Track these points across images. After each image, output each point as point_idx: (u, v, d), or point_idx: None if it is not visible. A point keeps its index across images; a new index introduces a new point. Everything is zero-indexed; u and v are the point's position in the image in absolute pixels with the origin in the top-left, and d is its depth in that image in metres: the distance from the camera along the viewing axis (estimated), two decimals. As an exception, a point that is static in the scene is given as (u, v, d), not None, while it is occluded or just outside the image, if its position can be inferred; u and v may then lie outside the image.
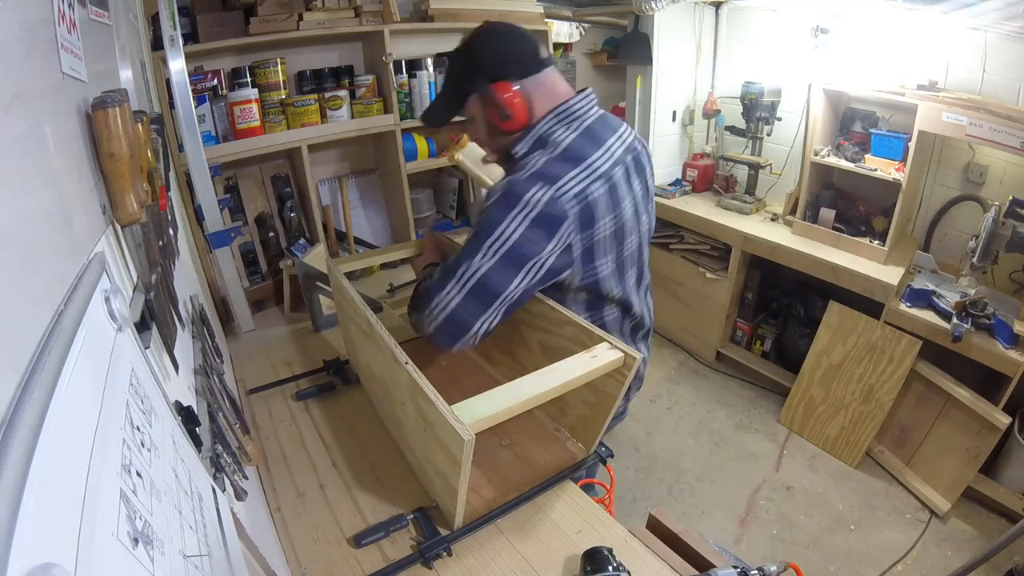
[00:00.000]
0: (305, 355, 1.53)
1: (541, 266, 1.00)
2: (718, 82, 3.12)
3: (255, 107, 1.72)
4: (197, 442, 0.64)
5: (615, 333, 1.15)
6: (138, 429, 0.45)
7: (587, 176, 1.02)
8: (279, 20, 1.71)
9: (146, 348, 0.56)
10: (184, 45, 1.35)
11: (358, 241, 2.11)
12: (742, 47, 2.98)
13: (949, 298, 2.11)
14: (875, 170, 2.31)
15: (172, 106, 1.41)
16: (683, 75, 3.06)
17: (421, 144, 2.09)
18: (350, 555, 0.92)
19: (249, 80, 1.74)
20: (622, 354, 0.95)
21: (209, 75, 1.71)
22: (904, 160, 2.22)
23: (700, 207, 2.95)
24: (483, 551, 0.93)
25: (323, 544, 0.95)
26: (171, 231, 0.90)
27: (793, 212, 2.64)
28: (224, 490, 0.67)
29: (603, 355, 0.95)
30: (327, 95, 1.85)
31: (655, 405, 2.78)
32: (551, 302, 1.09)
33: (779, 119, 2.78)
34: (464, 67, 1.14)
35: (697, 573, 0.92)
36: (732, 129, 2.99)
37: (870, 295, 2.28)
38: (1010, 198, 2.02)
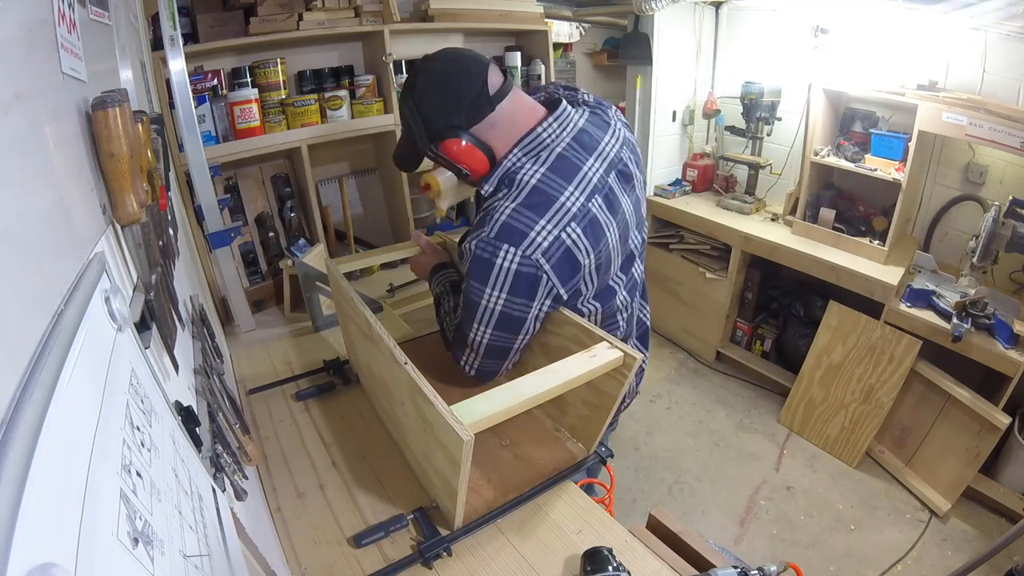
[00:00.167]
0: (305, 355, 1.53)
1: (535, 318, 1.03)
2: (718, 82, 3.12)
3: (255, 107, 1.72)
4: (197, 442, 0.64)
5: None
6: (138, 429, 0.45)
7: (558, 222, 0.97)
8: (279, 20, 1.71)
9: (146, 348, 0.56)
10: (184, 45, 1.35)
11: (358, 241, 2.11)
12: (742, 47, 2.98)
13: (949, 298, 2.11)
14: (875, 170, 2.31)
15: (172, 106, 1.41)
16: (683, 75, 3.05)
17: (421, 144, 2.09)
18: (350, 555, 0.92)
19: (249, 80, 1.74)
20: (622, 354, 0.95)
21: (209, 75, 1.71)
22: (904, 160, 2.23)
23: (700, 207, 2.95)
24: (483, 551, 0.93)
25: (323, 544, 0.95)
26: (171, 231, 0.90)
27: (793, 212, 2.64)
28: (224, 490, 0.67)
29: (603, 355, 0.95)
30: (327, 95, 1.85)
31: (655, 405, 2.78)
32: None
33: (779, 119, 2.78)
34: (408, 123, 1.06)
35: (697, 573, 0.92)
36: (732, 129, 2.99)
37: (870, 295, 2.28)
38: (1010, 198, 2.02)
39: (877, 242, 2.38)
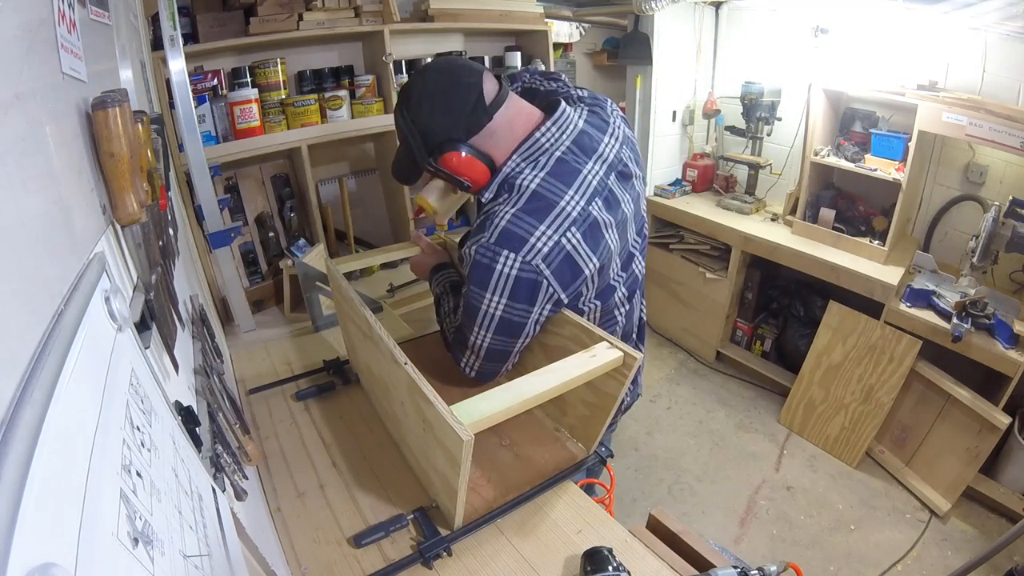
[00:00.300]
0: (305, 355, 1.53)
1: (536, 322, 1.03)
2: (718, 82, 3.12)
3: (255, 107, 1.72)
4: (197, 442, 0.64)
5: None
6: (138, 429, 0.45)
7: (558, 227, 0.96)
8: (279, 20, 1.71)
9: (146, 348, 0.56)
10: (184, 45, 1.35)
11: (358, 241, 2.11)
12: (742, 47, 2.98)
13: (949, 298, 2.11)
14: (875, 170, 2.31)
15: (172, 106, 1.41)
16: (683, 75, 3.06)
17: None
18: (350, 555, 0.92)
19: (249, 80, 1.74)
20: (621, 354, 0.94)
21: (209, 75, 1.71)
22: (904, 160, 2.23)
23: (700, 207, 2.95)
24: (483, 551, 0.93)
25: (323, 544, 0.95)
26: (171, 231, 0.90)
27: (793, 212, 2.64)
28: (224, 490, 0.67)
29: (602, 355, 0.94)
30: (327, 95, 1.85)
31: (655, 405, 2.78)
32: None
33: (779, 119, 2.79)
34: (405, 137, 1.05)
35: (697, 573, 0.92)
36: (732, 129, 2.99)
37: (870, 295, 2.28)
38: (1010, 198, 2.02)
39: (877, 242, 2.39)
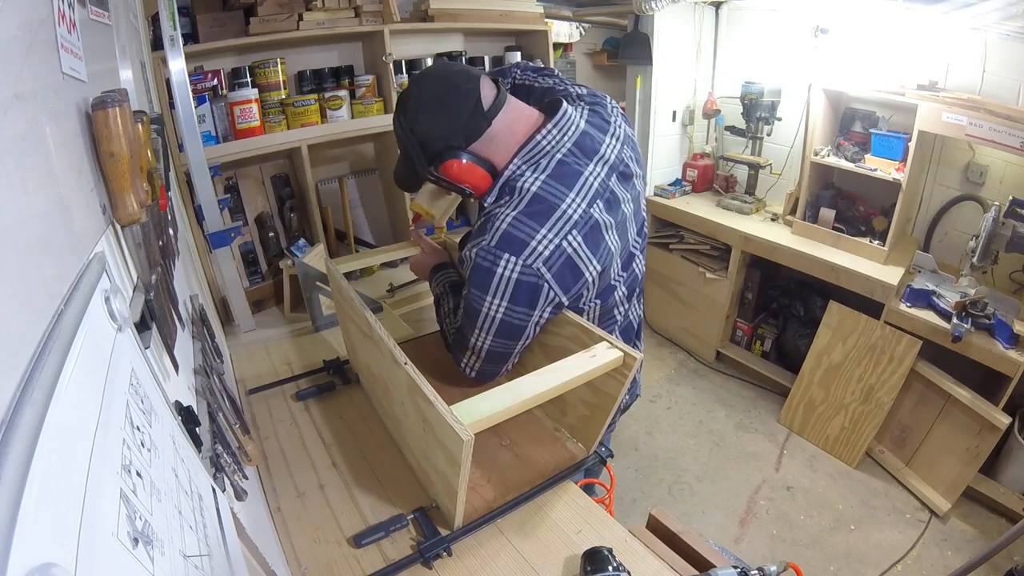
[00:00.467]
0: (305, 355, 1.53)
1: (536, 324, 1.03)
2: (718, 82, 3.12)
3: (255, 107, 1.72)
4: (197, 442, 0.64)
5: None
6: (138, 429, 0.45)
7: (559, 230, 0.95)
8: (279, 20, 1.71)
9: (146, 348, 0.56)
10: (184, 45, 1.35)
11: (358, 241, 2.11)
12: (742, 47, 2.98)
13: (949, 298, 2.11)
14: (875, 170, 2.31)
15: (172, 106, 1.41)
16: (683, 75, 3.06)
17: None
18: (350, 555, 0.92)
19: (249, 80, 1.74)
20: (621, 354, 0.94)
21: (209, 75, 1.71)
22: (904, 160, 2.23)
23: (700, 207, 2.95)
24: (483, 551, 0.93)
25: (323, 544, 0.95)
26: (171, 231, 0.90)
27: (793, 212, 2.64)
28: (224, 490, 0.67)
29: (602, 355, 0.94)
30: (327, 95, 1.85)
31: (655, 405, 2.78)
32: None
33: (779, 119, 2.79)
34: (405, 146, 1.05)
35: (697, 573, 0.92)
36: (732, 129, 2.99)
37: (870, 295, 2.28)
38: (1010, 198, 2.02)
39: (877, 242, 2.39)
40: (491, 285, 0.97)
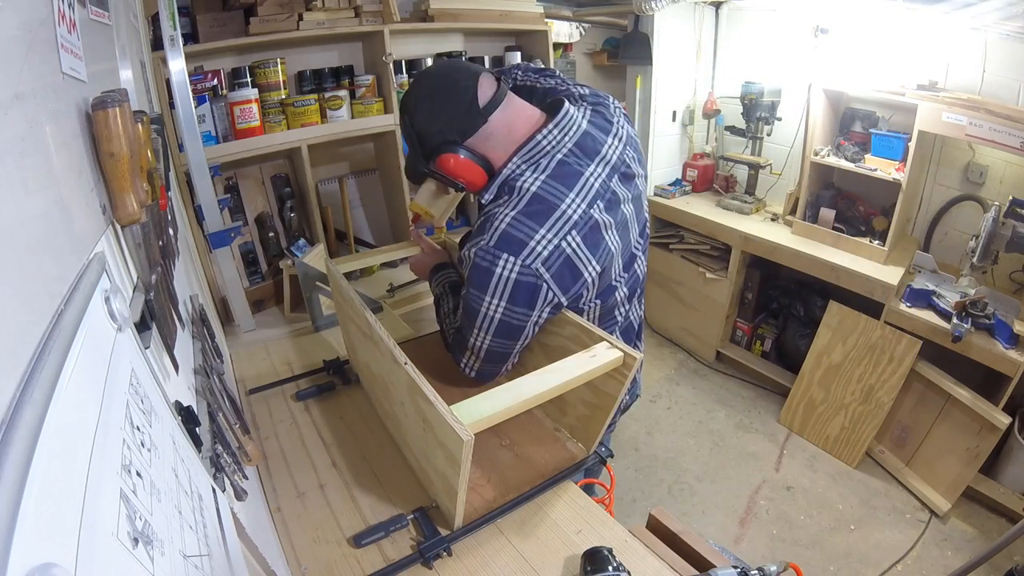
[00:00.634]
0: (305, 355, 1.53)
1: (535, 323, 1.03)
2: (718, 82, 3.12)
3: (255, 107, 1.72)
4: (197, 442, 0.64)
5: None
6: (138, 429, 0.45)
7: (558, 230, 0.95)
8: (279, 20, 1.71)
9: (146, 348, 0.56)
10: (184, 45, 1.35)
11: (358, 241, 2.11)
12: (742, 47, 2.98)
13: (949, 298, 2.11)
14: (875, 170, 2.31)
15: (172, 106, 1.41)
16: (683, 75, 3.06)
17: (421, 144, 2.09)
18: (350, 555, 0.92)
19: (249, 80, 1.74)
20: (621, 354, 0.94)
21: (209, 75, 1.71)
22: (904, 160, 2.23)
23: (700, 207, 2.95)
24: (483, 551, 0.93)
25: (323, 544, 0.95)
26: (171, 231, 0.90)
27: (793, 212, 2.64)
28: (224, 490, 0.67)
29: (602, 355, 0.94)
30: (327, 95, 1.85)
31: (655, 405, 2.78)
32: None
33: (779, 119, 2.79)
34: (407, 141, 1.07)
35: (697, 573, 0.92)
36: (732, 129, 2.99)
37: (870, 295, 2.28)
38: (1010, 198, 2.02)
39: (877, 242, 2.39)
40: (490, 285, 0.97)
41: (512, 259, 0.95)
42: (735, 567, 0.90)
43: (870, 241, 2.41)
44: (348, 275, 1.35)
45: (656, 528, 1.02)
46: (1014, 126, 1.91)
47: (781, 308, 2.88)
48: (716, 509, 2.21)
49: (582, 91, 1.16)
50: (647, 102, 2.97)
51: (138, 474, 0.41)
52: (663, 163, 3.17)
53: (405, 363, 0.90)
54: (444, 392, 0.84)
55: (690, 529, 1.02)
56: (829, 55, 2.58)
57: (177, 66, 1.33)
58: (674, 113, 3.10)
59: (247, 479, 0.81)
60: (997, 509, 2.12)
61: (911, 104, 2.14)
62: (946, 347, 2.05)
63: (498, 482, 1.04)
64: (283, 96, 1.81)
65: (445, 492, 0.92)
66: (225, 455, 0.72)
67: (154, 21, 1.41)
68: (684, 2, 2.82)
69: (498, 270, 0.95)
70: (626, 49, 2.90)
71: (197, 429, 0.64)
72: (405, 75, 2.00)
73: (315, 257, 1.67)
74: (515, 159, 1.03)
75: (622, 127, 1.10)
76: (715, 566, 0.92)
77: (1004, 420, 1.95)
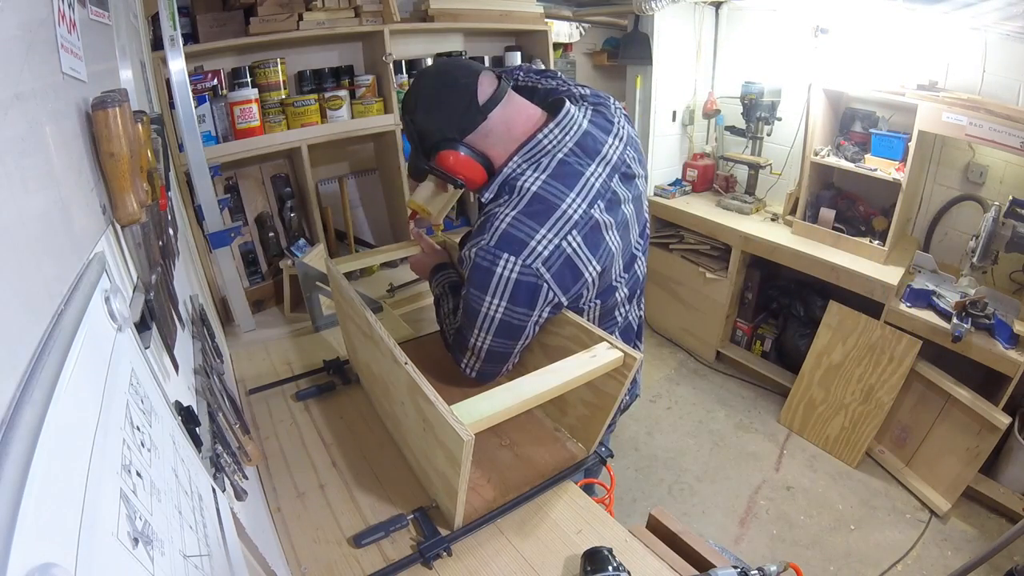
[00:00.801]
0: (305, 355, 1.53)
1: (535, 323, 1.03)
2: (718, 82, 3.12)
3: (255, 107, 1.72)
4: (197, 442, 0.64)
5: None
6: (138, 429, 0.45)
7: (559, 230, 0.96)
8: (279, 20, 1.71)
9: (146, 348, 0.56)
10: (184, 45, 1.35)
11: (358, 241, 2.11)
12: (742, 47, 2.98)
13: (949, 298, 2.11)
14: (875, 170, 2.31)
15: (172, 106, 1.41)
16: (683, 75, 3.06)
17: (421, 144, 2.09)
18: (350, 555, 0.92)
19: (249, 80, 1.74)
20: (622, 354, 0.94)
21: (209, 75, 1.71)
22: (904, 160, 2.23)
23: (700, 207, 2.95)
24: (483, 551, 0.93)
25: (323, 544, 0.95)
26: (171, 231, 0.90)
27: (793, 212, 2.64)
28: (224, 490, 0.67)
29: (602, 355, 0.94)
30: (327, 95, 1.85)
31: (655, 405, 2.78)
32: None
33: (779, 119, 2.79)
34: (409, 139, 1.08)
35: (697, 573, 0.92)
36: (732, 129, 2.99)
37: (870, 295, 2.28)
38: (1010, 198, 2.02)
39: (877, 242, 2.38)
40: (490, 285, 0.97)
41: (513, 259, 0.95)
42: (735, 567, 0.90)
43: (870, 241, 2.41)
44: (348, 275, 1.36)
45: (656, 528, 1.02)
46: (1014, 126, 1.91)
47: (781, 308, 2.88)
48: (716, 509, 2.21)
49: (583, 91, 1.16)
50: (647, 102, 2.96)
51: (138, 474, 0.41)
52: (663, 163, 3.17)
53: (405, 363, 0.90)
54: (444, 392, 0.84)
55: (690, 529, 1.02)
56: (829, 55, 2.58)
57: (177, 66, 1.33)
58: (674, 113, 3.10)
59: (247, 479, 0.81)
60: (997, 509, 2.12)
61: (911, 104, 2.14)
62: (946, 347, 2.05)
63: (498, 482, 1.04)
64: (283, 96, 1.81)
65: (445, 492, 0.92)
66: (225, 455, 0.72)
67: (154, 21, 1.41)
68: (684, 2, 2.82)
69: (499, 270, 0.95)
70: (626, 49, 2.90)
71: (197, 429, 0.64)
72: (405, 75, 2.00)
73: (315, 257, 1.67)
74: (516, 158, 1.03)
75: (623, 127, 1.10)
76: (715, 566, 0.92)
77: (1004, 420, 1.95)
